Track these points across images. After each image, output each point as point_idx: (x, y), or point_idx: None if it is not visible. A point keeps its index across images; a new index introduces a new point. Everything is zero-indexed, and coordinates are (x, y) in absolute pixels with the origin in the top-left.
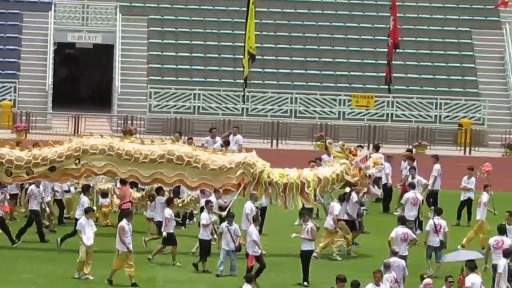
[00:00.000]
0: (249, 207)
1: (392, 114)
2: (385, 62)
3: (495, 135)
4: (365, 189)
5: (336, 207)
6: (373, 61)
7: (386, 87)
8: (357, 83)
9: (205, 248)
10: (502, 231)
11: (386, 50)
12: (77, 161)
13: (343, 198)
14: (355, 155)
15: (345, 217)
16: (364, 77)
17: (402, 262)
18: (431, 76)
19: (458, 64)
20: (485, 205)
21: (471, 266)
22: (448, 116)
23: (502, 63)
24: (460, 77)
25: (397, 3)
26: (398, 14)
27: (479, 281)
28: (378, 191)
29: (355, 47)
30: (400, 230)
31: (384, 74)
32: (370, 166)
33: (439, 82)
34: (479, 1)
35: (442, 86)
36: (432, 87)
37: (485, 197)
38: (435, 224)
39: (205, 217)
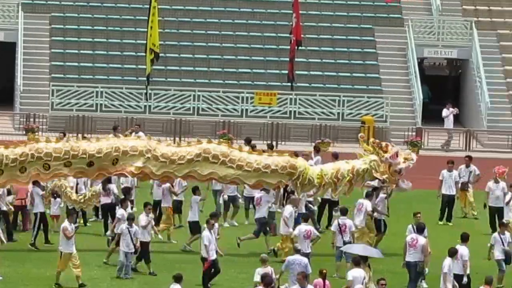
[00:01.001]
0: (289, 211)
1: (295, 111)
2: (288, 59)
3: (397, 132)
4: (394, 186)
5: (365, 203)
6: (276, 59)
7: (289, 84)
8: (260, 80)
9: (145, 249)
10: (420, 230)
11: (289, 47)
12: (115, 161)
13: (371, 194)
14: (385, 151)
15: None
16: (267, 75)
17: (305, 259)
18: (334, 74)
19: (361, 62)
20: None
21: (355, 260)
22: (351, 113)
23: (405, 60)
24: (363, 75)
25: (299, 0)
26: (300, 11)
27: (361, 275)
28: (408, 185)
29: (258, 44)
30: (303, 227)
31: (287, 72)
32: (401, 161)
33: (342, 80)
34: None
35: (345, 83)
36: (335, 84)
37: (508, 197)
38: (339, 224)
39: (143, 218)
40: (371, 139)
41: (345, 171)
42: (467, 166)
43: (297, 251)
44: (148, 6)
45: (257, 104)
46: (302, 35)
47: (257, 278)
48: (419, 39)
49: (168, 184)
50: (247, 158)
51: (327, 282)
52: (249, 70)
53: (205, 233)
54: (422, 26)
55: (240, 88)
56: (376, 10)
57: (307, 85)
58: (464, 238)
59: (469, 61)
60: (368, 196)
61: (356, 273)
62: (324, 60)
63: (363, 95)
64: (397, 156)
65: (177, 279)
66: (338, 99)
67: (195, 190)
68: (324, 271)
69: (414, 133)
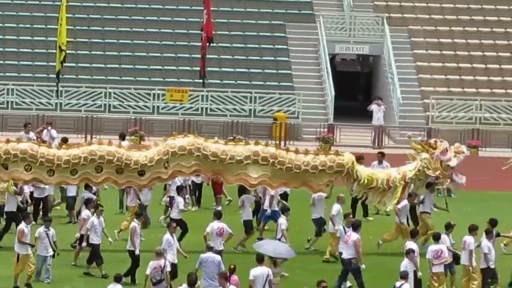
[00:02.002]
0: (336, 209)
1: (206, 108)
2: (199, 56)
3: (309, 129)
4: (448, 181)
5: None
6: (187, 56)
7: (201, 81)
8: (171, 77)
9: (96, 251)
10: (355, 227)
11: (200, 44)
12: (166, 164)
13: (412, 195)
14: (434, 148)
15: (433, 209)
16: (178, 72)
17: (218, 257)
18: (245, 70)
19: (272, 58)
20: None
21: (258, 258)
22: (263, 110)
23: (317, 57)
24: (274, 71)
25: None
26: (211, 8)
27: (263, 273)
28: (462, 179)
29: (169, 41)
30: (216, 224)
31: (199, 69)
32: (452, 157)
33: (253, 76)
34: None
35: (257, 80)
36: (246, 81)
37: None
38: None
39: (91, 221)
40: (419, 138)
41: (396, 180)
42: (380, 162)
43: (210, 248)
44: (59, 3)
45: (168, 101)
46: (213, 32)
47: (147, 271)
48: (330, 35)
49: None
50: (295, 159)
51: (235, 276)
52: (160, 67)
53: (166, 236)
54: (334, 22)
55: (151, 85)
56: (288, 7)
57: (219, 81)
58: (413, 234)
59: (381, 57)
60: (410, 197)
61: (257, 272)
62: (235, 57)
63: (275, 92)
64: (447, 151)
65: (117, 279)
66: (250, 95)
67: (244, 189)
68: (232, 266)
69: (326, 130)
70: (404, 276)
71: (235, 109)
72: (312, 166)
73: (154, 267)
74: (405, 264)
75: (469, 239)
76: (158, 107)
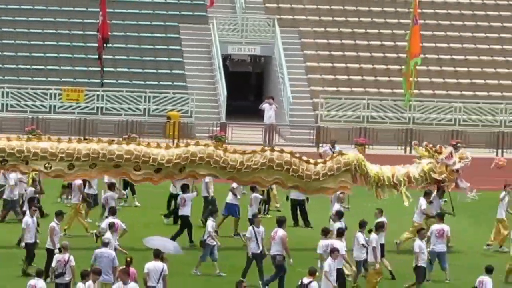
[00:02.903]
0: (335, 208)
1: (102, 107)
2: (96, 56)
3: (202, 127)
4: (453, 185)
5: (422, 202)
6: (84, 56)
7: (97, 81)
8: (67, 77)
9: (30, 251)
10: (280, 223)
11: (96, 44)
12: (182, 169)
13: (429, 193)
14: (440, 153)
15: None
16: (75, 72)
17: (112, 253)
18: (140, 70)
19: (167, 59)
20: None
21: (155, 253)
22: (157, 109)
23: (210, 57)
24: (168, 71)
25: None
26: (107, 10)
27: (156, 267)
28: (466, 185)
29: (65, 42)
30: (111, 219)
31: (94, 69)
32: (456, 161)
33: (148, 76)
34: None
35: (151, 79)
36: (141, 80)
37: (502, 194)
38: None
39: (25, 221)
40: (424, 143)
41: (400, 176)
42: (333, 147)
43: (105, 244)
44: None
45: (65, 100)
46: (109, 33)
47: (53, 263)
48: (223, 36)
49: (79, 182)
50: (307, 169)
51: (132, 269)
52: (57, 67)
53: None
54: (226, 24)
55: (48, 84)
56: (181, 8)
57: (114, 81)
58: (339, 234)
59: (272, 58)
60: (426, 195)
61: (151, 266)
62: (130, 57)
63: (168, 91)
64: (452, 156)
65: (38, 274)
66: (144, 95)
67: (253, 188)
68: (128, 259)
69: (218, 128)
70: (312, 272)
71: (130, 108)
72: (322, 174)
73: (58, 260)
74: (329, 263)
75: (373, 235)
76: (54, 106)
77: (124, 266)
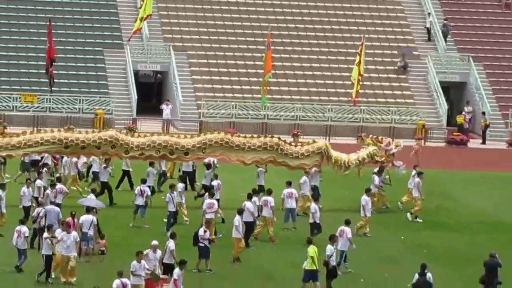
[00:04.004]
0: (303, 179)
1: (50, 107)
2: (44, 71)
3: (120, 121)
4: (390, 164)
5: (375, 178)
6: (37, 71)
7: (47, 88)
8: (25, 86)
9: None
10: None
11: (45, 63)
12: (203, 150)
13: (381, 171)
14: (381, 142)
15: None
16: (31, 82)
17: (57, 208)
18: (75, 81)
19: (95, 73)
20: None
21: (87, 208)
22: (88, 108)
23: (125, 72)
24: (96, 82)
25: None
26: (53, 38)
27: (88, 220)
28: (400, 163)
29: (23, 61)
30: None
31: (45, 80)
32: (393, 148)
33: (81, 85)
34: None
35: (84, 87)
36: (76, 88)
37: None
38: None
39: (22, 190)
40: (370, 135)
41: (353, 159)
42: (296, 136)
43: (52, 202)
44: None
45: (23, 102)
46: (55, 54)
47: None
48: (134, 57)
49: (75, 159)
50: (291, 149)
51: (75, 220)
52: (17, 78)
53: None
54: (136, 49)
55: (11, 91)
56: (105, 38)
57: (58, 89)
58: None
59: (169, 72)
60: (379, 172)
61: (84, 218)
62: (69, 72)
63: (96, 96)
64: (389, 144)
65: (22, 222)
66: (79, 98)
67: (288, 184)
68: (73, 212)
69: (131, 121)
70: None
71: (69, 107)
72: (300, 154)
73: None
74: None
75: (270, 198)
76: (16, 106)
77: (68, 218)
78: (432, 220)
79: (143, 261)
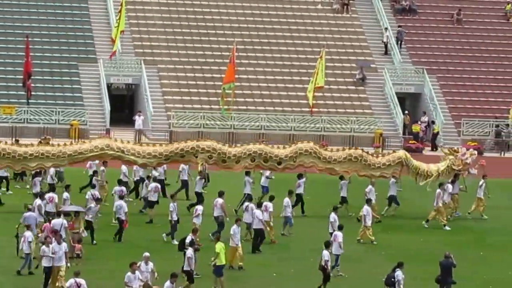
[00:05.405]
0: (450, 187)
1: (27, 118)
2: (21, 84)
3: (94, 131)
4: (466, 172)
5: (449, 186)
6: (15, 84)
7: (24, 101)
8: (4, 98)
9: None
10: (220, 194)
11: (22, 77)
12: (294, 159)
13: (454, 180)
14: (457, 152)
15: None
16: (9, 95)
17: (34, 214)
18: (52, 94)
19: (70, 86)
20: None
21: (58, 212)
22: (63, 119)
23: (98, 85)
24: (71, 94)
25: None
26: (30, 53)
27: (59, 223)
28: (475, 171)
29: (2, 75)
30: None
31: (23, 93)
32: (468, 157)
33: (57, 97)
34: None
35: (60, 99)
36: (53, 100)
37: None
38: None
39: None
40: (448, 147)
41: (433, 170)
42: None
43: (28, 209)
44: None
45: (2, 113)
46: (32, 69)
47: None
48: (107, 71)
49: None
50: (278, 153)
51: (49, 225)
52: None
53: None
54: (109, 63)
55: None
56: (80, 53)
57: (35, 101)
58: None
59: (140, 85)
60: (453, 181)
61: (54, 221)
62: (46, 85)
63: (71, 108)
64: (465, 154)
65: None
66: (56, 110)
67: (300, 174)
68: (50, 218)
69: (104, 132)
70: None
71: (46, 119)
72: (285, 156)
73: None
74: (233, 228)
75: (269, 204)
76: None
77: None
78: (389, 223)
79: (137, 272)
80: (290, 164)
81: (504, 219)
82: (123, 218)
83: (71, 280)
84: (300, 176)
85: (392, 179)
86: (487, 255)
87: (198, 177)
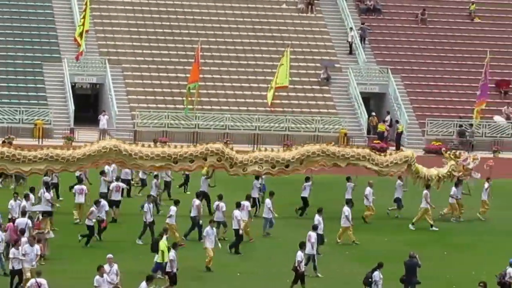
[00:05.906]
0: (368, 191)
1: None
2: None
3: (58, 131)
4: (468, 176)
5: (453, 189)
6: None
7: None
8: None
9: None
10: (197, 196)
11: None
12: (302, 162)
13: (458, 183)
14: (459, 157)
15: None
16: None
17: (25, 219)
18: (16, 93)
19: (34, 85)
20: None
21: (22, 211)
22: (27, 118)
23: (62, 84)
24: (35, 93)
25: None
26: None
27: (22, 222)
28: (478, 175)
29: None
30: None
31: None
32: (470, 162)
33: (21, 97)
34: None
35: (24, 99)
36: (16, 99)
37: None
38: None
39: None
40: (448, 152)
41: (433, 174)
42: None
43: (23, 214)
44: None
45: None
46: None
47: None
48: (71, 70)
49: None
50: (280, 156)
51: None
52: None
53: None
54: (74, 63)
55: None
56: (44, 52)
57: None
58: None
59: (104, 84)
60: (457, 185)
61: (19, 220)
62: (9, 84)
63: (35, 107)
64: (467, 159)
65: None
66: (19, 109)
67: (307, 177)
68: (14, 218)
69: (68, 131)
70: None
71: (9, 118)
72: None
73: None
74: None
75: (222, 204)
76: None
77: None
78: (355, 223)
79: (105, 275)
80: (298, 166)
81: (468, 218)
82: (104, 217)
83: (32, 280)
84: (307, 179)
85: (399, 181)
86: (451, 255)
87: (204, 177)
